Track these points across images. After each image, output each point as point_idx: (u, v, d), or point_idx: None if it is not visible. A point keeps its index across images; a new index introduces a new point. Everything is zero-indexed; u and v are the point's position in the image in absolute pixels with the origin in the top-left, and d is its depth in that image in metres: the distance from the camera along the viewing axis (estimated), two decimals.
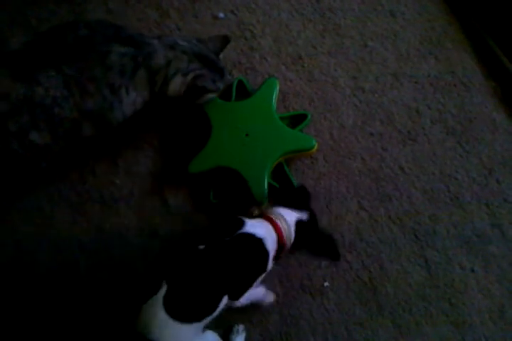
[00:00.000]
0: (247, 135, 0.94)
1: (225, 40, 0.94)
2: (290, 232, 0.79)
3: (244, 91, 1.01)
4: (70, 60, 0.76)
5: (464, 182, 0.98)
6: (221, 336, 0.76)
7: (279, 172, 0.96)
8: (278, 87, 0.99)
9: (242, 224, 0.76)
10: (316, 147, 0.95)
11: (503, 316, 0.91)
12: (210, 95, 0.91)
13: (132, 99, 0.82)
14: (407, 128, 1.02)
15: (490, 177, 0.99)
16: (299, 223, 0.80)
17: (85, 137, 0.82)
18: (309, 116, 1.00)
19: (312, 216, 0.83)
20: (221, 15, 1.08)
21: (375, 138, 1.01)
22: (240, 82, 1.01)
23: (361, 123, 1.02)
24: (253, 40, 1.07)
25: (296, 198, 0.86)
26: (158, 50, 0.83)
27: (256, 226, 0.76)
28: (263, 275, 0.77)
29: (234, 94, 1.00)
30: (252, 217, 0.79)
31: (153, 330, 0.65)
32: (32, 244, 0.94)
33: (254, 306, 0.89)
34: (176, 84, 0.85)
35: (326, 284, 0.93)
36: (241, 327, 0.88)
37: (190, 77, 0.85)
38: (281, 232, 0.78)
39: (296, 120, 0.99)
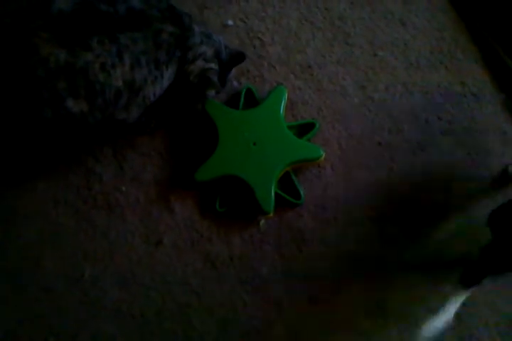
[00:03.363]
0: (254, 144, 0.94)
1: (241, 57, 0.96)
2: None
3: (252, 100, 1.01)
4: (124, 30, 0.77)
5: (474, 195, 0.97)
6: None
7: (285, 181, 0.96)
8: (286, 96, 0.99)
9: None
10: (323, 157, 0.95)
11: (511, 331, 0.90)
12: (209, 93, 0.94)
13: (169, 74, 0.85)
14: (417, 138, 1.01)
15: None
16: None
17: (120, 112, 0.84)
18: (317, 125, 0.99)
19: None
20: (230, 22, 1.08)
21: (383, 148, 1.00)
22: (249, 90, 1.01)
23: (370, 132, 1.01)
24: (262, 48, 1.07)
25: None
26: (196, 34, 0.87)
27: None
28: None
29: (242, 102, 1.00)
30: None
31: None
32: (36, 250, 0.93)
33: (259, 315, 0.90)
34: (197, 66, 0.89)
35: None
36: None
37: (208, 66, 0.89)
38: None
39: (304, 129, 0.99)
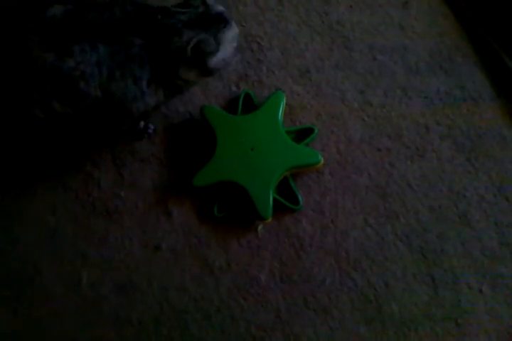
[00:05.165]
0: (252, 149, 0.94)
1: None
2: None
3: (250, 105, 1.00)
4: (104, 40, 0.77)
5: (472, 200, 0.96)
6: None
7: (284, 187, 0.95)
8: (285, 101, 0.98)
9: None
10: (322, 162, 0.94)
11: None
12: (214, 58, 0.82)
13: (153, 91, 0.82)
14: (416, 143, 1.00)
15: (499, 195, 0.97)
16: None
17: (106, 121, 0.83)
18: (316, 131, 0.99)
19: None
20: None
21: (382, 153, 1.00)
22: (247, 95, 1.01)
23: (369, 138, 1.01)
24: (260, 52, 1.07)
25: None
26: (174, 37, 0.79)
27: None
28: None
29: (240, 107, 1.00)
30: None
31: None
32: (34, 255, 0.94)
33: (257, 322, 0.89)
34: (186, 70, 0.82)
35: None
36: None
37: (189, 47, 0.78)
38: None
39: (302, 134, 0.99)
